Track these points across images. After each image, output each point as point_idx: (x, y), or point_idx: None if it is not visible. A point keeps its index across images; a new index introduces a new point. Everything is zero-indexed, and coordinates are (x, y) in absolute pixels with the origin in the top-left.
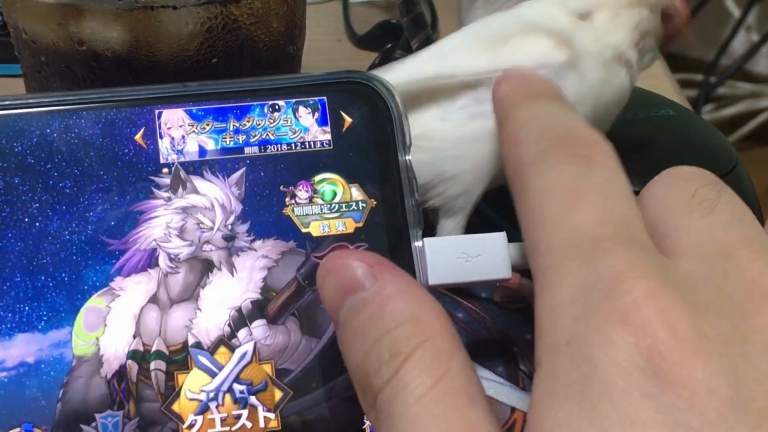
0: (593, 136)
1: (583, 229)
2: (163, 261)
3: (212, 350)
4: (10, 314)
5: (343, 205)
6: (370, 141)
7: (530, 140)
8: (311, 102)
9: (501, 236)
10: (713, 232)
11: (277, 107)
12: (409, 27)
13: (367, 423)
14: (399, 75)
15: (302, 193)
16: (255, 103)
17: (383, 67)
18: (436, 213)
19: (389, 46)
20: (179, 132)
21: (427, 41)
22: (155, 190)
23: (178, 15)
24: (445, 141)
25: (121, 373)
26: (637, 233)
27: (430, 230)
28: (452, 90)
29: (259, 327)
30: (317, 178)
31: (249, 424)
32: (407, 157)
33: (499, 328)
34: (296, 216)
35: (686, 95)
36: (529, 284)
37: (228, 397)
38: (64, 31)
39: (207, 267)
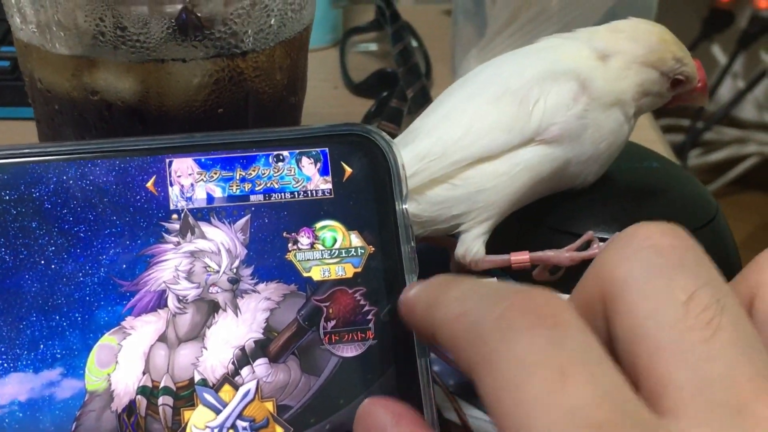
0: (547, 292)
1: (580, 413)
2: (171, 302)
3: (217, 388)
4: (26, 352)
5: (343, 251)
6: (369, 190)
7: (483, 306)
8: (313, 153)
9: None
10: (719, 372)
11: (281, 157)
12: (404, 76)
13: None
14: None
15: (304, 239)
16: (260, 154)
17: (401, 143)
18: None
19: (385, 94)
20: (188, 180)
21: (422, 91)
22: (165, 235)
23: (187, 68)
24: (480, 182)
25: (131, 407)
26: (632, 405)
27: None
28: None
29: (261, 365)
30: (318, 225)
31: None
32: (404, 206)
33: None
34: (298, 261)
35: (673, 140)
36: (539, 257)
37: None
38: (78, 82)
39: (213, 308)
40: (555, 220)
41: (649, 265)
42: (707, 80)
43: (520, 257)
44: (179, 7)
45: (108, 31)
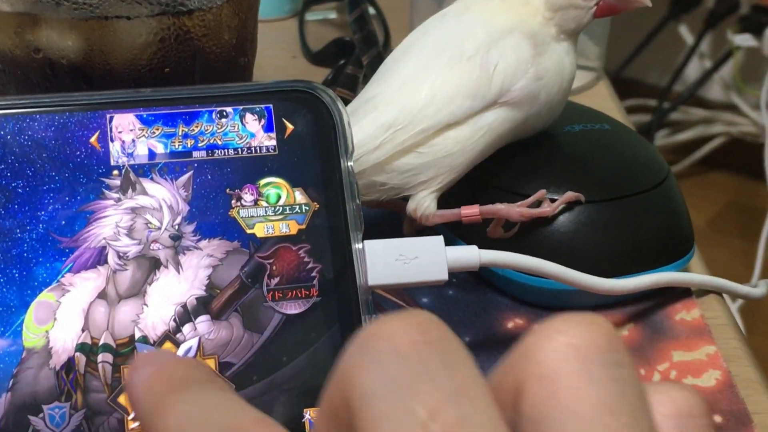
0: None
1: None
2: (112, 258)
3: (158, 344)
4: None
5: (287, 208)
6: (314, 147)
7: None
8: (257, 109)
9: (438, 240)
10: None
11: (224, 113)
12: (360, 44)
13: (307, 415)
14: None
15: (248, 196)
16: (203, 110)
17: (360, 111)
18: None
19: (342, 62)
20: (129, 136)
21: (378, 57)
22: (106, 191)
23: (131, 25)
24: (447, 147)
25: (69, 365)
26: None
27: (368, 232)
28: None
29: (203, 322)
30: (262, 181)
31: None
32: (349, 163)
33: None
34: (241, 218)
35: (640, 120)
36: (489, 210)
37: None
38: (20, 40)
39: (154, 265)
40: (506, 181)
41: (389, 376)
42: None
43: (470, 211)
44: None
45: None
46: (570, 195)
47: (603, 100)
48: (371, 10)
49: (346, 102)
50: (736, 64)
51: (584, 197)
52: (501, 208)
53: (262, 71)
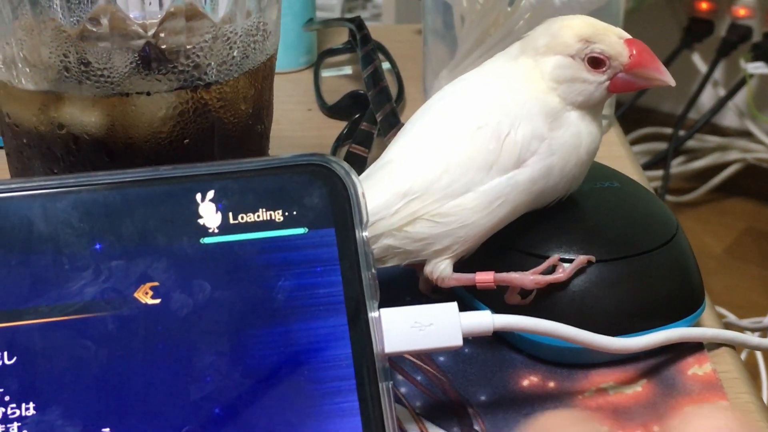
0: None
1: None
2: None
3: None
4: None
5: None
6: (330, 218)
7: None
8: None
9: (452, 306)
10: None
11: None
12: (374, 99)
13: None
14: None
15: None
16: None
17: (377, 176)
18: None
19: (357, 116)
20: None
21: (392, 113)
22: None
23: (151, 100)
24: (462, 218)
25: None
26: None
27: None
28: None
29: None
30: None
31: None
32: (364, 234)
33: (455, 389)
34: None
35: (656, 148)
36: (503, 278)
37: None
38: (45, 116)
39: None
40: (520, 242)
41: None
42: (656, 62)
43: (484, 277)
44: (142, 41)
45: (73, 67)
46: (582, 259)
47: (614, 147)
48: (385, 64)
49: (361, 159)
50: (750, 91)
51: (595, 258)
52: (515, 277)
53: (279, 125)
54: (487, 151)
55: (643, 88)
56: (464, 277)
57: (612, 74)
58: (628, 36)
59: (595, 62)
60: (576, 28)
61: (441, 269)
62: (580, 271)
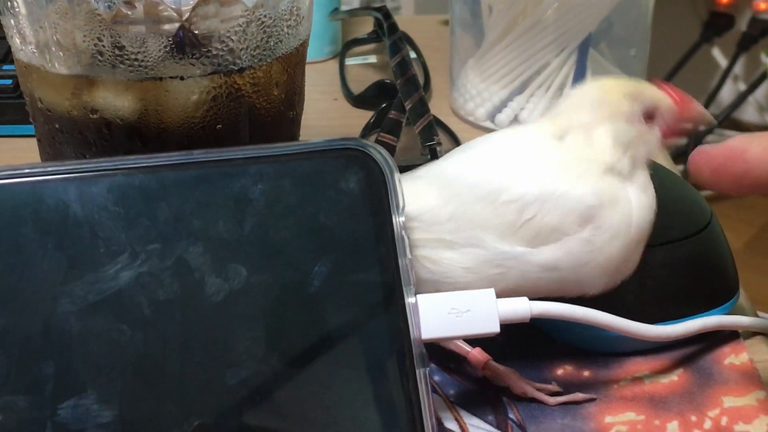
0: None
1: None
2: None
3: None
4: None
5: None
6: (366, 203)
7: None
8: (311, 168)
9: (490, 292)
10: None
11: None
12: (402, 88)
13: None
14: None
15: None
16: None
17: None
18: None
19: (384, 105)
20: None
21: (420, 102)
22: None
23: (185, 85)
24: (451, 273)
25: None
26: None
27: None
28: None
29: None
30: None
31: None
32: (401, 219)
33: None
34: None
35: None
36: (495, 370)
37: None
38: (77, 101)
39: None
40: None
41: None
42: (693, 102)
43: (478, 357)
44: (176, 25)
45: (106, 51)
46: (579, 397)
47: None
48: (411, 54)
49: (391, 148)
50: None
51: None
52: (508, 376)
53: (305, 114)
54: (502, 223)
55: (689, 132)
56: (463, 347)
57: (662, 124)
58: (653, 85)
59: (649, 116)
60: (619, 88)
61: None
62: None
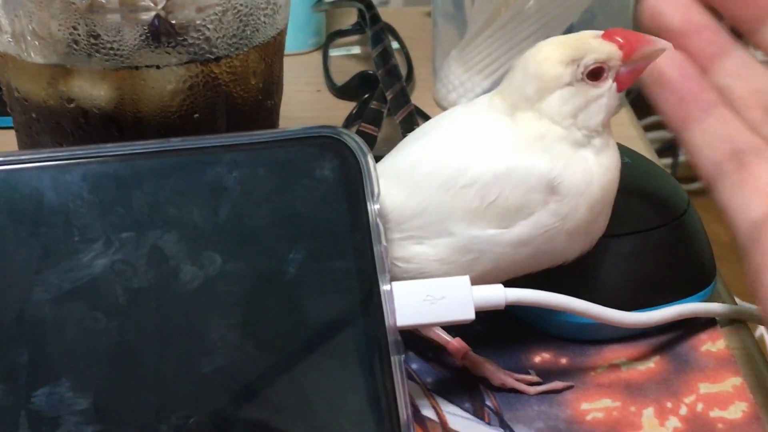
0: None
1: None
2: None
3: None
4: None
5: None
6: (341, 191)
7: None
8: (286, 155)
9: (465, 279)
10: None
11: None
12: (384, 79)
13: None
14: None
15: None
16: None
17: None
18: None
19: (366, 96)
20: None
21: (402, 92)
22: None
23: (161, 74)
24: (424, 268)
25: None
26: None
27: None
28: None
29: None
30: None
31: None
32: (376, 206)
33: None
34: None
35: (663, 137)
36: (475, 361)
37: None
38: (54, 90)
39: None
40: None
41: None
42: (642, 37)
43: (457, 346)
44: (152, 14)
45: (82, 40)
46: (557, 385)
47: (625, 128)
48: (394, 45)
49: (372, 138)
50: None
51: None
52: (487, 367)
53: (288, 106)
54: (467, 209)
55: (647, 66)
56: (441, 333)
57: (614, 75)
58: (600, 31)
59: (595, 74)
60: (555, 55)
61: None
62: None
